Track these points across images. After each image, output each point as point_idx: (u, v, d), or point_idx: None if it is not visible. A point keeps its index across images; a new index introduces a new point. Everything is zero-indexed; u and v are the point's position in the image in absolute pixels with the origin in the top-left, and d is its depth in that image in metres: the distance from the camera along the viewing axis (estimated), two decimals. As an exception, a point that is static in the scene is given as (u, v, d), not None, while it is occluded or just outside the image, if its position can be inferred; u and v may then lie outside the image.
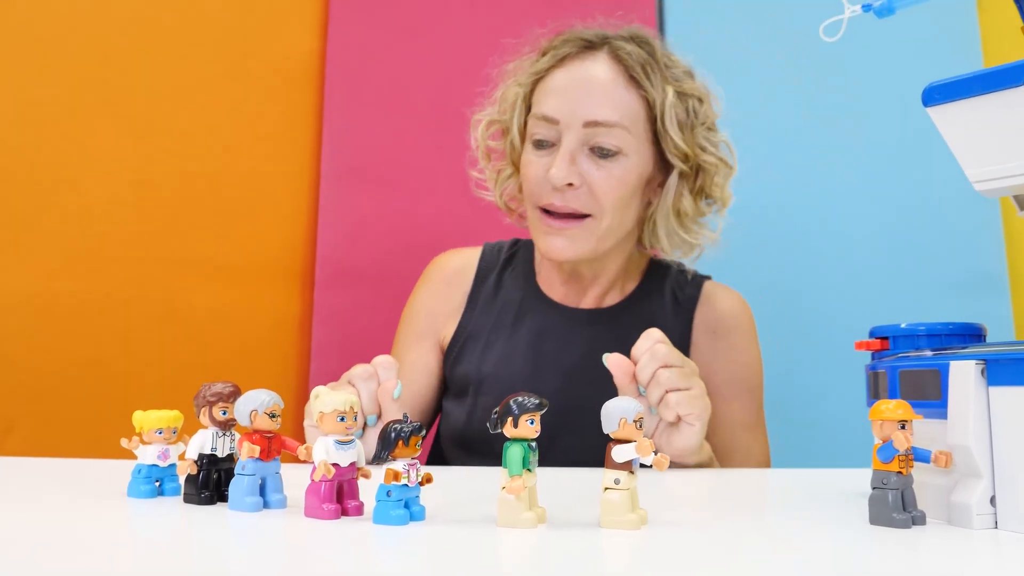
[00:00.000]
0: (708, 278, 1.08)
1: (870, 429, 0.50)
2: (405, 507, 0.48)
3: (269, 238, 1.36)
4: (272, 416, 0.52)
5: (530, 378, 0.99)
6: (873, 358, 0.60)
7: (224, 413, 0.54)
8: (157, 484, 0.56)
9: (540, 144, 0.96)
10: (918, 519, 0.49)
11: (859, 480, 0.68)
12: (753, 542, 0.48)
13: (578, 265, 1.01)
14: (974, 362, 0.49)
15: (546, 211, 0.96)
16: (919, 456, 0.50)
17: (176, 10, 1.31)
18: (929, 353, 0.56)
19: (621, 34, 0.99)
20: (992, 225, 1.37)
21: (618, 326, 1.02)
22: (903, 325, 0.58)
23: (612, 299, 1.05)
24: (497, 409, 0.49)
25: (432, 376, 1.06)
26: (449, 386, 1.06)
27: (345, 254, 1.39)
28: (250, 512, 0.51)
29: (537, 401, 0.48)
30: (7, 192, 1.16)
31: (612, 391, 0.90)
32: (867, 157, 1.40)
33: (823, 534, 0.49)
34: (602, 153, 0.94)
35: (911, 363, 0.54)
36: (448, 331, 1.06)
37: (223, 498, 0.54)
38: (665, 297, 1.04)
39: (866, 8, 0.65)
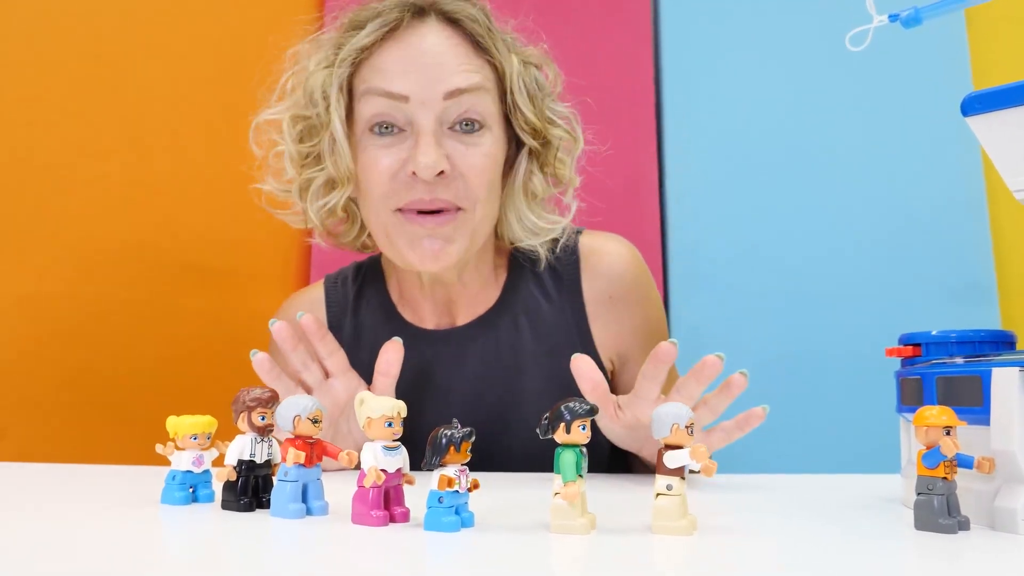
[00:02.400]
0: (580, 232, 0.94)
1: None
2: (456, 513, 0.48)
3: (263, 241, 1.35)
4: (315, 421, 0.51)
5: (430, 420, 0.83)
6: (904, 364, 0.61)
7: (263, 419, 0.53)
8: (191, 490, 0.55)
9: (384, 130, 0.80)
10: (963, 524, 0.50)
11: (885, 485, 0.69)
12: (803, 547, 0.48)
13: (440, 274, 0.87)
14: (1018, 369, 0.49)
15: (401, 211, 0.81)
16: (961, 462, 0.50)
17: (172, 14, 1.29)
18: (961, 360, 0.57)
19: None
20: (981, 235, 1.40)
21: (501, 330, 0.90)
22: (935, 332, 0.59)
23: (485, 301, 0.91)
24: (547, 415, 0.49)
25: None
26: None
27: (339, 257, 1.37)
28: (293, 519, 0.50)
29: (588, 407, 0.48)
30: (0, 195, 1.13)
31: (517, 402, 0.88)
32: (856, 167, 1.42)
33: (870, 540, 0.50)
34: (467, 127, 0.80)
35: (950, 369, 0.54)
36: None
37: (261, 504, 0.53)
38: (543, 278, 0.92)
39: (893, 18, 0.66)
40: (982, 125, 0.53)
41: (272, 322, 0.78)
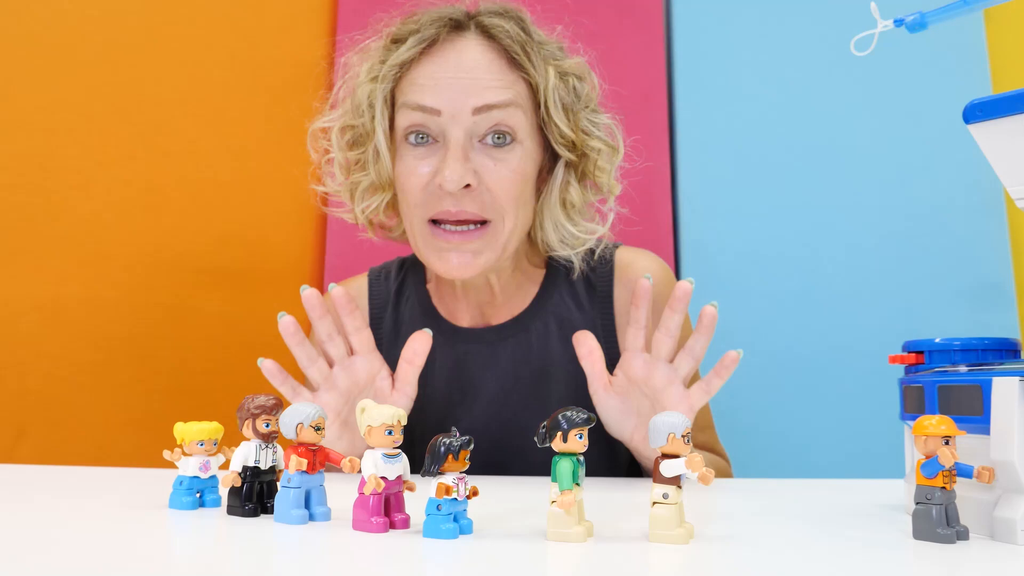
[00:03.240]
0: (617, 246, 0.97)
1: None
2: (454, 521, 0.48)
3: (277, 244, 1.36)
4: (317, 429, 0.52)
5: (457, 415, 0.91)
6: (907, 372, 0.61)
7: (267, 426, 0.54)
8: (198, 495, 0.56)
9: (418, 139, 0.83)
10: (962, 534, 0.50)
11: (886, 492, 0.69)
12: (799, 556, 0.48)
13: (474, 279, 0.90)
14: (1018, 378, 0.49)
15: (434, 221, 0.84)
16: (961, 471, 0.50)
17: (186, 18, 1.31)
18: (964, 368, 0.57)
19: (487, 8, 0.86)
20: (998, 235, 1.38)
21: (532, 334, 0.93)
22: (938, 340, 0.59)
23: (519, 304, 0.94)
24: (545, 424, 0.49)
25: None
26: None
27: (353, 259, 1.38)
28: (296, 525, 0.51)
29: (586, 416, 0.49)
30: (18, 198, 1.15)
31: (543, 405, 0.90)
32: (872, 167, 1.41)
33: (867, 549, 0.50)
34: (497, 140, 0.82)
35: (951, 378, 0.54)
36: None
37: (266, 510, 0.54)
38: (577, 287, 0.94)
39: (898, 23, 0.66)
40: (984, 133, 0.53)
41: (303, 288, 0.80)
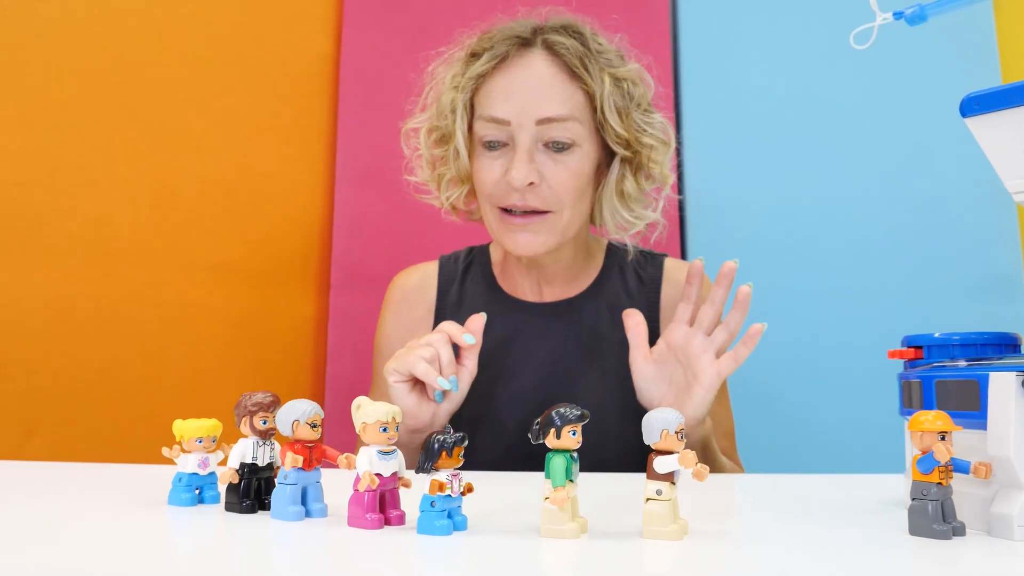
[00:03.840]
0: (666, 256, 1.10)
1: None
2: (448, 517, 0.49)
3: (285, 242, 1.37)
4: (313, 426, 0.52)
5: (506, 379, 1.00)
6: (906, 367, 0.61)
7: (264, 423, 0.55)
8: (197, 492, 0.57)
9: (491, 146, 0.96)
10: (958, 530, 0.49)
11: (887, 486, 0.69)
12: (794, 552, 0.48)
13: (539, 258, 1.01)
14: (1015, 374, 0.49)
15: (505, 210, 0.97)
16: (958, 467, 0.50)
17: (193, 17, 1.31)
18: (964, 363, 0.56)
19: (552, 25, 0.98)
20: (1008, 227, 1.37)
21: (586, 314, 1.04)
22: (937, 335, 0.59)
23: (577, 288, 1.06)
24: (539, 420, 0.49)
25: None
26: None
27: (360, 257, 1.39)
28: (293, 521, 0.52)
29: (579, 412, 0.49)
30: (26, 197, 1.17)
31: (588, 381, 1.00)
32: (882, 160, 1.40)
33: (863, 544, 0.50)
34: (557, 147, 0.94)
35: (948, 373, 0.54)
36: None
37: (263, 506, 0.54)
38: (627, 279, 1.06)
39: (897, 16, 0.65)
40: (980, 126, 0.52)
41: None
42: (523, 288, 1.06)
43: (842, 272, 1.38)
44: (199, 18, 1.32)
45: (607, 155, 1.00)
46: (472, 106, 0.99)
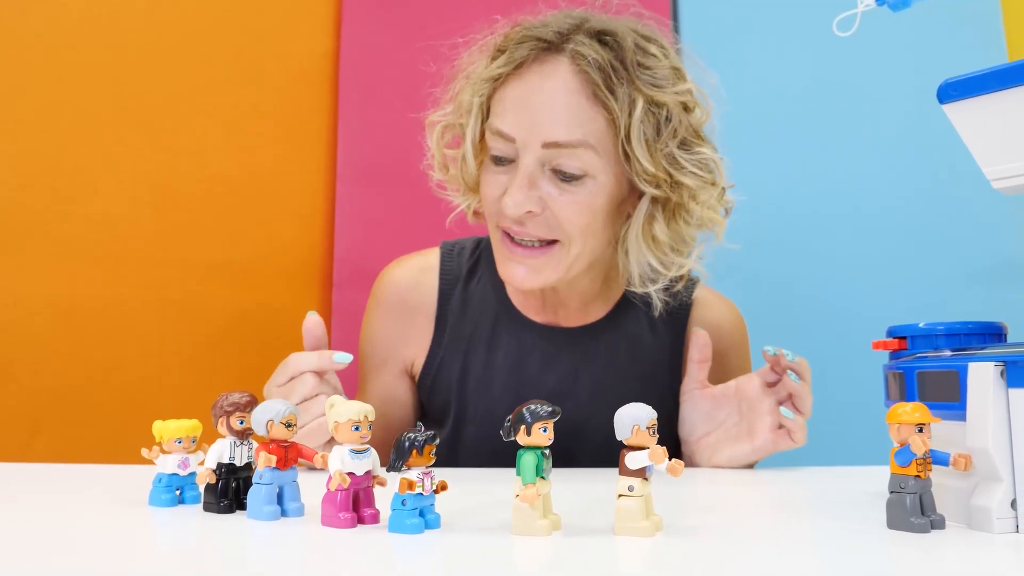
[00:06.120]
0: (698, 280, 0.99)
1: (886, 428, 0.49)
2: (420, 515, 0.49)
3: (286, 240, 1.37)
4: (288, 426, 0.52)
5: (513, 404, 0.90)
6: (891, 358, 0.60)
7: (241, 423, 0.55)
8: (178, 492, 0.57)
9: (499, 160, 0.85)
10: (937, 523, 0.49)
11: (877, 479, 0.68)
12: (768, 547, 0.48)
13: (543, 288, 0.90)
14: (993, 364, 0.48)
15: (507, 233, 0.86)
16: (937, 459, 0.49)
17: (192, 15, 1.32)
18: (948, 353, 0.55)
19: (588, 28, 0.83)
20: (1015, 213, 1.35)
21: (602, 344, 0.94)
22: (921, 324, 0.58)
23: (595, 314, 0.95)
24: (510, 417, 0.49)
25: (402, 405, 0.98)
26: (427, 412, 0.99)
27: (362, 254, 1.39)
28: (268, 521, 0.52)
29: (550, 409, 0.49)
30: (28, 197, 1.18)
31: (598, 411, 0.88)
32: (886, 147, 1.38)
33: (839, 539, 0.49)
34: (564, 176, 0.82)
35: (929, 364, 0.53)
36: (416, 357, 0.97)
37: (242, 506, 0.55)
38: (653, 306, 0.93)
39: (880, 2, 0.64)
40: (958, 112, 0.51)
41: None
42: (535, 306, 0.95)
43: (846, 261, 1.36)
44: (199, 17, 1.32)
45: (637, 190, 0.85)
46: (488, 110, 0.87)
